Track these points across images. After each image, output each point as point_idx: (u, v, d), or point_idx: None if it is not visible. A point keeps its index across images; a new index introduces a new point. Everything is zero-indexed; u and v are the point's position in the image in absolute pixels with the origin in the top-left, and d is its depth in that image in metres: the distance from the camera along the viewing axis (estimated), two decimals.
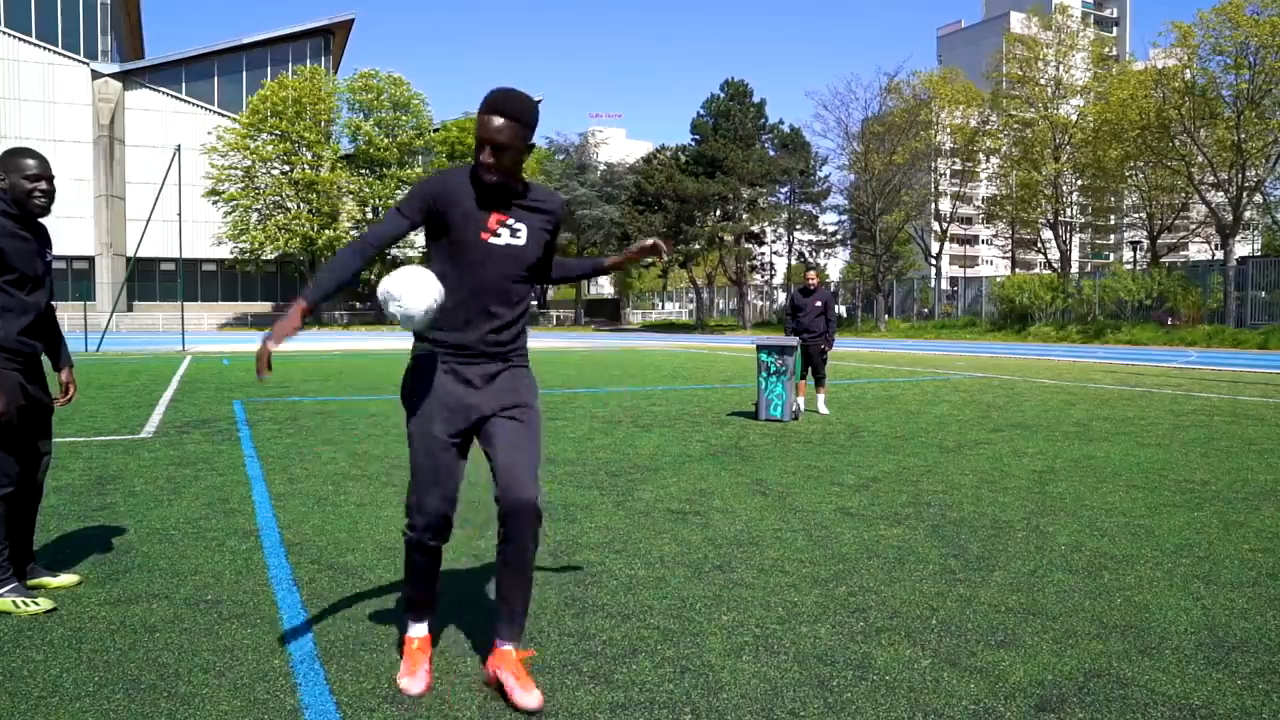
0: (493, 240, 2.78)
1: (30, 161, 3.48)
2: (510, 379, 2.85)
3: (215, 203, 51.17)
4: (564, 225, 3.05)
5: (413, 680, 2.81)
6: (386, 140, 54.67)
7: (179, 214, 26.47)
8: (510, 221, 2.80)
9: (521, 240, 2.82)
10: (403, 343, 30.07)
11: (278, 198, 51.77)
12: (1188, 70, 36.51)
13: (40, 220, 3.60)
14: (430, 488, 2.78)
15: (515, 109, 2.69)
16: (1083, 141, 42.43)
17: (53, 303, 3.74)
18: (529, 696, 2.67)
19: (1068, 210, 47.25)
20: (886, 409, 10.73)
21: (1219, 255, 37.98)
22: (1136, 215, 49.42)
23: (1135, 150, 38.54)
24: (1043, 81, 44.90)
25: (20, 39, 52.35)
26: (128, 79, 54.98)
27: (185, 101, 56.43)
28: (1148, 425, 9.23)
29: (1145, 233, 44.06)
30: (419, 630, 2.96)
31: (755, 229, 55.77)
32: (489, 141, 2.67)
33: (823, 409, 10.25)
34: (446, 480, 2.79)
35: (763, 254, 59.73)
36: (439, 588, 3.00)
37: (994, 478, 6.30)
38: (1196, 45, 35.77)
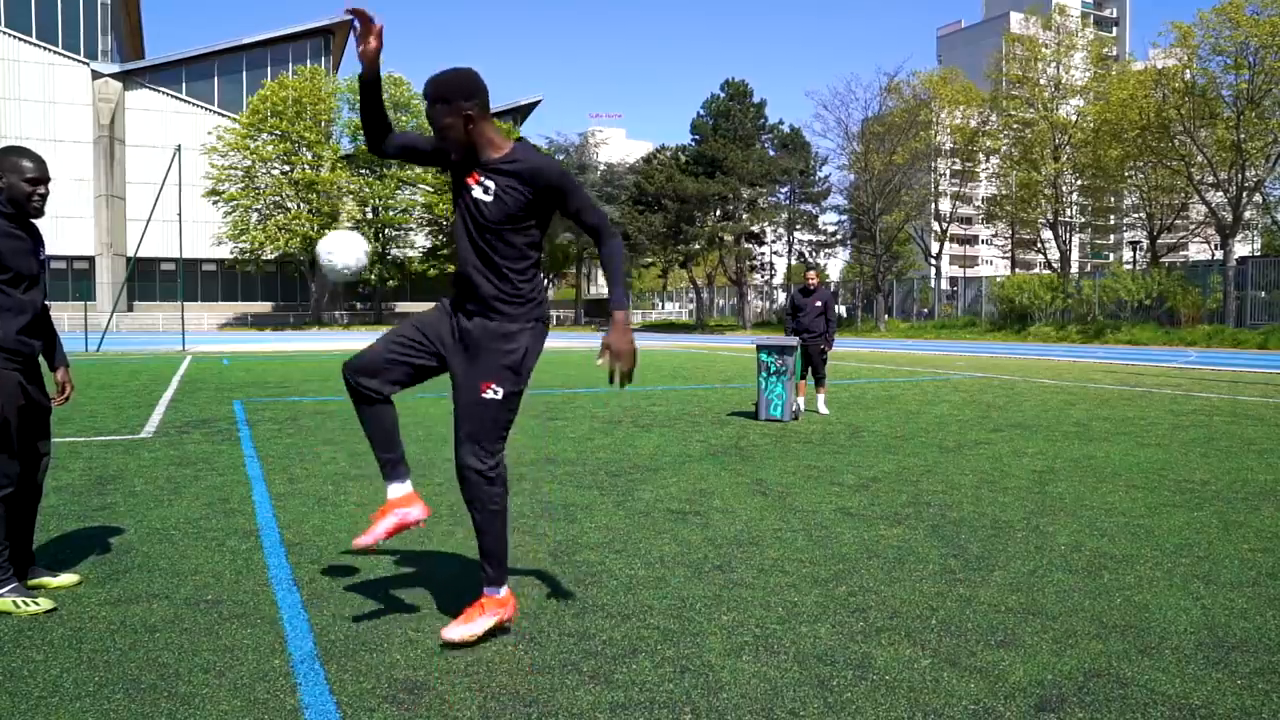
0: (467, 195, 3.07)
1: (29, 164, 3.48)
2: (484, 339, 3.06)
3: (215, 203, 51.10)
4: (557, 187, 3.03)
5: (379, 528, 3.10)
6: None
7: (179, 214, 26.44)
8: (483, 179, 3.05)
9: (489, 198, 3.03)
10: None
11: (278, 198, 51.70)
12: (1188, 70, 36.49)
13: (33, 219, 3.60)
14: (378, 341, 3.14)
15: (434, 91, 3.01)
16: (1082, 141, 42.42)
17: (47, 302, 3.73)
18: (449, 629, 3.07)
19: (1068, 210, 47.22)
20: (886, 409, 10.74)
21: (1219, 255, 37.97)
22: (1136, 215, 49.40)
23: (1135, 150, 38.53)
24: (1042, 82, 44.89)
25: (20, 39, 52.32)
26: (128, 79, 54.95)
27: (185, 101, 56.41)
28: (1148, 425, 9.23)
29: (1145, 233, 44.02)
30: (395, 490, 3.17)
31: (755, 229, 55.71)
32: (432, 127, 3.06)
33: (823, 409, 10.25)
34: (385, 347, 3.10)
35: (763, 254, 59.68)
36: (401, 449, 3.19)
37: (994, 478, 6.30)
38: (1196, 45, 35.76)
